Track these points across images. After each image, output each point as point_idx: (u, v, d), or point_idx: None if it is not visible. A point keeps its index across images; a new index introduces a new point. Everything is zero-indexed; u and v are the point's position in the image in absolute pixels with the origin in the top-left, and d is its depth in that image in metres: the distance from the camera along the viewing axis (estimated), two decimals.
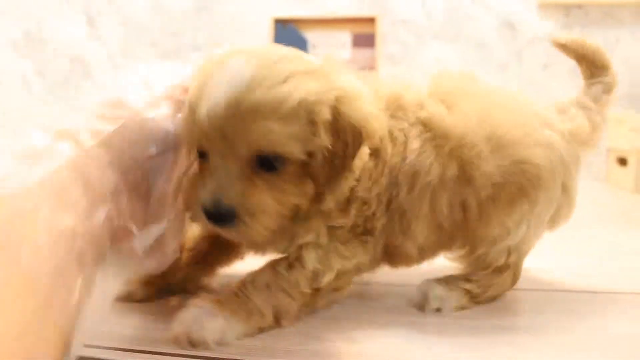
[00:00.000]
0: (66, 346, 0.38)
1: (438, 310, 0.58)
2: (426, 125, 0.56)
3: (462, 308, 0.59)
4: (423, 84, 0.59)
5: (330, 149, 0.48)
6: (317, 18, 2.05)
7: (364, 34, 2.04)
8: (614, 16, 1.96)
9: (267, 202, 0.48)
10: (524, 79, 2.00)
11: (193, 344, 0.48)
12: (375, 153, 0.55)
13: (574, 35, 0.71)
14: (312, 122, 0.47)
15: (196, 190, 0.49)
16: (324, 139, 0.48)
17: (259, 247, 0.57)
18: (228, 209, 0.47)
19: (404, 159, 0.55)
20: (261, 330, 0.52)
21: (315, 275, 0.54)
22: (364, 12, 2.04)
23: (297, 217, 0.52)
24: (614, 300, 0.63)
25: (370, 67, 2.03)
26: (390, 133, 0.56)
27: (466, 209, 0.57)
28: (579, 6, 1.97)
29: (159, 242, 0.49)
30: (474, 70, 0.63)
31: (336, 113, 0.48)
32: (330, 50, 2.03)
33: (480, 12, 1.99)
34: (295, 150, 0.47)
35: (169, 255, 0.51)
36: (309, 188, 0.51)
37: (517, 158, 0.57)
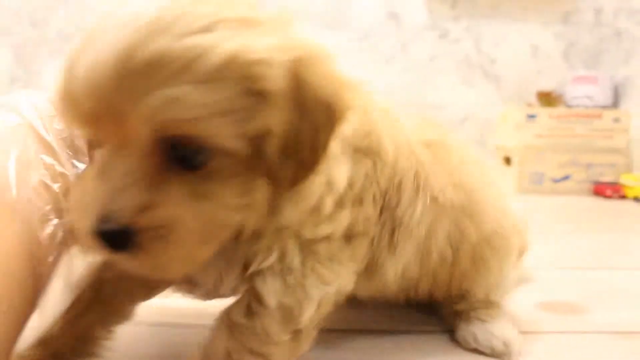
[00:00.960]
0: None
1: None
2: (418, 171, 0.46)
3: None
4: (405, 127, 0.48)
5: (291, 134, 0.32)
6: None
7: None
8: (503, 10, 1.88)
9: (185, 217, 0.32)
10: (409, 71, 1.89)
11: None
12: (367, 151, 0.41)
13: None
14: (252, 92, 0.31)
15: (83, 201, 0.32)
16: (278, 118, 0.32)
17: (182, 285, 0.40)
18: (120, 228, 0.30)
19: (412, 166, 0.45)
20: None
21: (287, 314, 0.38)
22: None
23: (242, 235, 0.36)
24: None
25: None
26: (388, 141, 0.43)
27: (460, 244, 0.50)
28: None
29: None
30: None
31: (297, 80, 0.32)
32: None
33: (364, 0, 1.86)
34: (225, 134, 0.31)
35: None
36: (260, 194, 0.34)
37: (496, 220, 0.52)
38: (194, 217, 0.32)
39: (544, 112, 1.73)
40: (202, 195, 0.32)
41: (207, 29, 0.31)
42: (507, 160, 1.79)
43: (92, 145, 0.36)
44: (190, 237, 0.32)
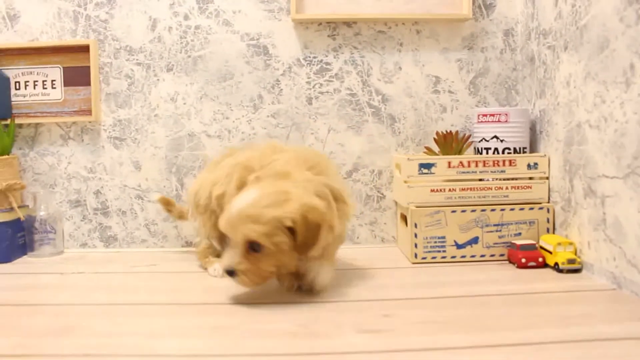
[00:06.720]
0: None
1: None
2: None
3: None
4: None
5: (304, 237, 0.97)
6: (12, 47, 1.53)
7: (74, 67, 1.53)
8: (392, 36, 1.54)
9: (250, 268, 0.98)
10: (284, 115, 1.55)
11: None
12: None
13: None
14: (283, 227, 0.96)
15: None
16: (298, 232, 0.96)
17: (257, 285, 1.02)
18: (231, 269, 0.99)
19: None
20: None
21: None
22: (75, 39, 1.54)
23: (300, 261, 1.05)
24: None
25: (85, 110, 1.53)
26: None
27: None
28: (348, 23, 1.54)
29: None
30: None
31: (304, 219, 0.96)
32: (39, 91, 1.52)
33: (222, 34, 1.53)
34: (268, 242, 0.96)
35: None
36: (287, 259, 1.00)
37: None
38: (253, 268, 0.99)
39: (441, 161, 1.38)
40: (257, 261, 0.98)
41: (267, 206, 0.96)
42: (406, 220, 1.43)
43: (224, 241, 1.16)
44: (253, 274, 0.99)
